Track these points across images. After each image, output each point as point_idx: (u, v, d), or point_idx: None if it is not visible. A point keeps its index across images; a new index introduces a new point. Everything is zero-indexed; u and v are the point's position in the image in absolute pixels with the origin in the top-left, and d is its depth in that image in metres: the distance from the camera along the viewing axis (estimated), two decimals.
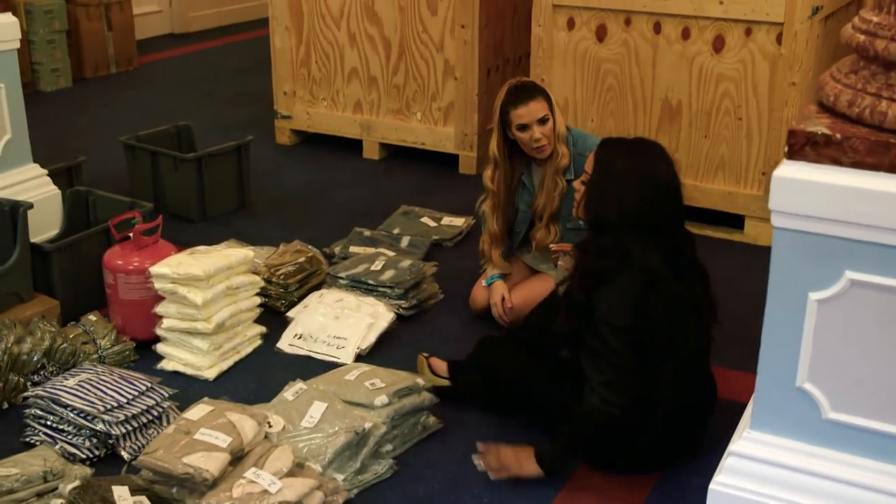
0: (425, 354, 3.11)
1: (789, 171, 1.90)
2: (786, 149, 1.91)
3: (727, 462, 2.13)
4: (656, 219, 2.56)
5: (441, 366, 3.04)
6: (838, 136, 1.85)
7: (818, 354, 1.98)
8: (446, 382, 2.99)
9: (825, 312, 1.95)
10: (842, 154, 1.85)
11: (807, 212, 1.89)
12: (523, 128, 3.23)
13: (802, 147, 1.89)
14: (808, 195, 1.88)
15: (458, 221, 4.31)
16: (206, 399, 2.71)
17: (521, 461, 2.61)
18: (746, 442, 2.11)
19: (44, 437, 2.75)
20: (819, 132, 1.87)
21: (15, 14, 4.39)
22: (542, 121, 3.22)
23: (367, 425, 2.63)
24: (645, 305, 2.50)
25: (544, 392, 2.76)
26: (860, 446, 2.00)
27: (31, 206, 3.30)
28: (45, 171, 3.79)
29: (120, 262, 3.25)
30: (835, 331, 1.95)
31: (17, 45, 3.61)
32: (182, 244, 3.59)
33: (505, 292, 3.40)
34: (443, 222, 4.30)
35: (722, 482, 2.12)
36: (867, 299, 1.90)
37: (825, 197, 1.86)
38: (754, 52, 3.97)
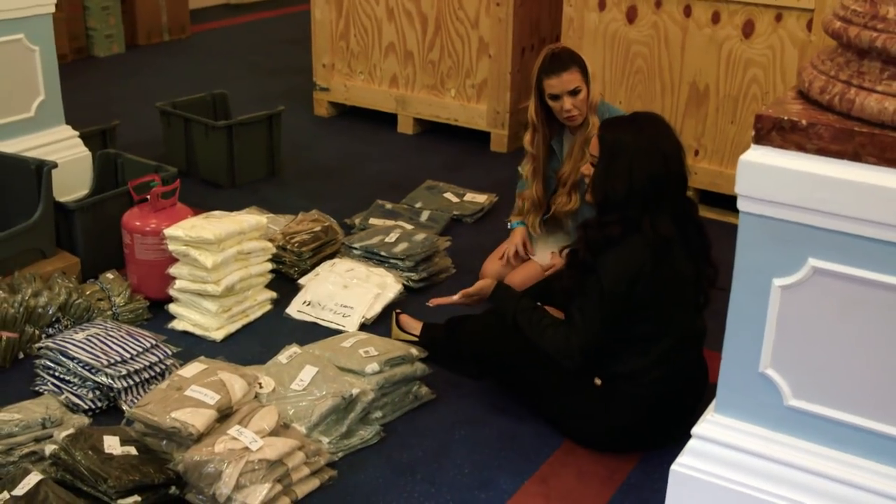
0: (398, 311, 3.25)
1: (755, 156, 1.90)
2: (753, 133, 1.90)
3: (690, 444, 2.15)
4: (665, 188, 2.58)
5: (410, 323, 3.17)
6: (804, 122, 1.84)
7: (781, 341, 1.98)
8: (411, 337, 3.11)
9: (789, 299, 1.94)
10: (807, 140, 1.84)
11: (771, 197, 1.89)
12: (555, 97, 3.26)
13: (769, 132, 1.88)
14: (772, 180, 1.88)
15: (481, 198, 4.34)
16: (201, 358, 2.80)
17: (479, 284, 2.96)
18: (709, 425, 2.12)
19: (51, 386, 2.87)
20: (785, 118, 1.86)
21: None
22: (574, 92, 3.24)
23: (355, 391, 2.69)
24: (648, 277, 2.52)
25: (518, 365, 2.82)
26: (819, 434, 2.00)
27: (55, 165, 3.42)
28: (77, 133, 3.92)
29: (137, 223, 3.36)
30: (798, 318, 1.95)
31: (52, 9, 3.72)
32: (208, 209, 3.68)
33: (526, 240, 3.51)
34: (465, 198, 4.34)
35: (683, 463, 2.14)
36: (830, 287, 1.90)
37: (789, 183, 1.86)
38: (784, 38, 3.92)
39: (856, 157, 1.81)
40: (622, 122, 2.72)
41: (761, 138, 1.89)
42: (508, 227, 3.61)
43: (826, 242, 1.87)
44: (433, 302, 3.12)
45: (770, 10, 3.90)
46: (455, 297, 2.96)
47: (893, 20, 1.80)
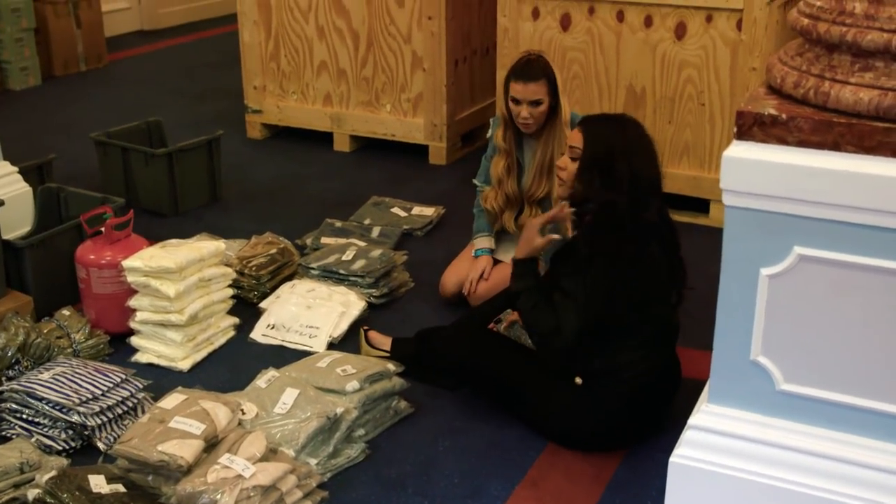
0: (365, 328, 3.23)
1: (738, 151, 1.97)
2: (735, 129, 1.97)
3: (686, 435, 2.20)
4: (660, 181, 2.69)
5: (379, 339, 3.16)
6: (784, 116, 1.92)
7: (770, 328, 2.05)
8: (381, 353, 3.11)
9: (776, 287, 2.01)
10: (787, 133, 1.92)
11: (756, 190, 1.96)
12: (516, 101, 3.31)
13: (750, 127, 1.95)
14: (756, 174, 1.95)
15: (428, 211, 4.37)
16: (179, 388, 2.76)
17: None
18: (704, 415, 2.18)
19: (20, 430, 2.78)
20: (766, 112, 1.93)
21: None
22: (535, 103, 3.29)
23: (339, 410, 2.68)
24: (638, 270, 2.58)
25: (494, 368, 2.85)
26: (812, 416, 2.08)
27: (2, 203, 3.32)
28: (16, 169, 3.81)
29: (92, 257, 3.28)
30: (786, 305, 2.02)
31: None
32: (154, 238, 3.61)
33: (487, 268, 3.48)
34: (413, 212, 4.36)
35: (681, 455, 2.19)
36: (816, 273, 1.97)
37: (773, 175, 1.93)
38: (715, 38, 4.04)
39: (835, 146, 1.89)
40: (605, 119, 2.80)
41: (743, 134, 1.96)
42: (473, 254, 3.57)
43: (810, 230, 1.95)
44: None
45: (701, 11, 4.03)
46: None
47: (860, 14, 1.89)
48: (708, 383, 2.24)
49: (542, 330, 2.69)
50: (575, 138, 2.74)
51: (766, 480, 2.10)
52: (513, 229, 3.50)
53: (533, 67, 3.29)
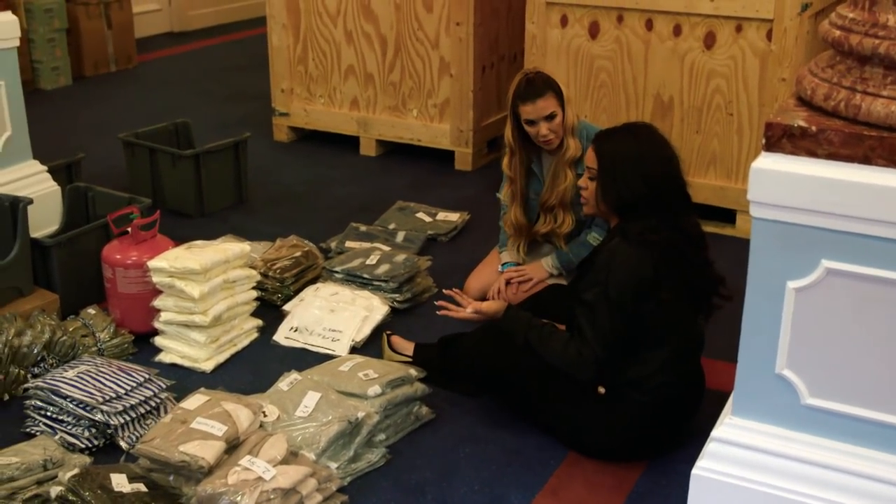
0: (388, 332, 3.25)
1: (767, 163, 1.95)
2: (763, 141, 1.96)
3: (709, 447, 2.19)
4: (683, 187, 2.68)
5: (402, 344, 3.18)
6: (814, 128, 1.90)
7: (796, 341, 2.03)
8: (403, 358, 3.12)
9: (803, 300, 2.00)
10: (817, 146, 1.91)
11: (784, 202, 1.94)
12: (531, 122, 3.29)
13: (780, 139, 1.94)
14: (785, 186, 1.93)
15: (453, 217, 4.37)
16: (202, 389, 2.77)
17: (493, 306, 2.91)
18: (728, 428, 2.16)
19: (44, 427, 2.80)
20: (795, 124, 1.92)
21: (15, 12, 4.46)
22: (550, 117, 3.27)
23: (360, 414, 2.68)
24: (651, 282, 2.56)
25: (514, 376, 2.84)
26: (837, 431, 2.06)
27: (30, 201, 3.36)
28: (45, 168, 3.85)
29: (118, 257, 3.31)
30: (812, 318, 2.00)
31: (17, 43, 3.66)
32: (180, 239, 3.63)
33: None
34: (438, 217, 4.36)
35: (704, 467, 2.17)
36: (843, 287, 1.95)
37: (801, 188, 1.92)
38: (745, 48, 4.02)
39: (866, 160, 1.87)
40: (617, 131, 2.78)
41: (772, 145, 1.95)
42: (499, 269, 3.58)
43: (838, 244, 1.93)
44: (441, 310, 3.06)
45: (730, 21, 4.01)
46: (468, 311, 2.95)
47: (894, 27, 1.87)
48: (732, 396, 2.22)
49: (562, 366, 2.68)
50: (590, 158, 2.75)
51: (788, 495, 2.08)
52: (523, 257, 3.53)
53: (536, 84, 3.26)
